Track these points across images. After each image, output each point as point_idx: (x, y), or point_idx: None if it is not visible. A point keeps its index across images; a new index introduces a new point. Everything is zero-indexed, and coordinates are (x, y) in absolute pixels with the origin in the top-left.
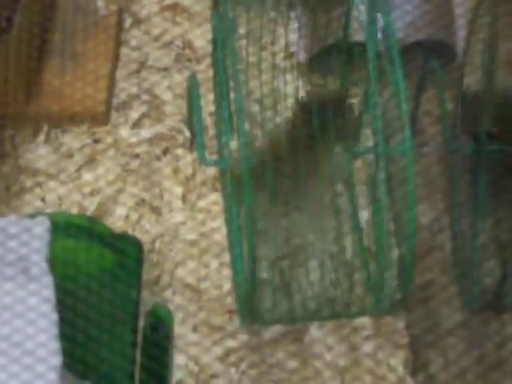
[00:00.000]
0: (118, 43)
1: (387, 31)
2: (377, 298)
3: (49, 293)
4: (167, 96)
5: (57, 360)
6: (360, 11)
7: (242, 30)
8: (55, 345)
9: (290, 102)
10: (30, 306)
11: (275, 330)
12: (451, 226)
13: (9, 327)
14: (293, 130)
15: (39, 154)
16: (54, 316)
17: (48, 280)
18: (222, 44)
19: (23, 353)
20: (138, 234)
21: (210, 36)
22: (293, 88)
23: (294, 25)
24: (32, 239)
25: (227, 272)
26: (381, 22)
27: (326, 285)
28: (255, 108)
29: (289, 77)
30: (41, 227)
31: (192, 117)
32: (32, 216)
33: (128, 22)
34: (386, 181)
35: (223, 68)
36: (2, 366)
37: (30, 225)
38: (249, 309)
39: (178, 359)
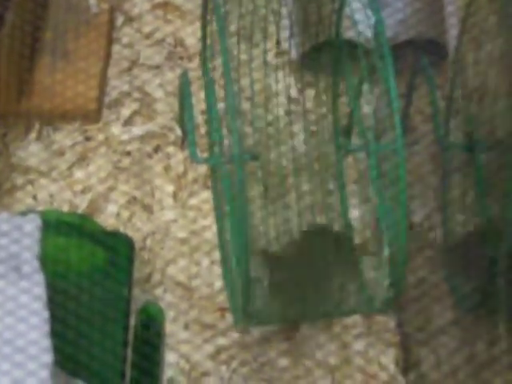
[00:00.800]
0: (110, 41)
1: (378, 29)
2: (369, 296)
3: (40, 290)
4: (159, 94)
5: (48, 358)
6: (352, 9)
7: (233, 27)
8: (46, 342)
9: (281, 99)
10: (21, 303)
11: (266, 328)
12: (443, 224)
13: (0, 325)
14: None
15: (31, 151)
16: (46, 314)
17: (39, 278)
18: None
19: (14, 350)
20: (130, 232)
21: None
22: (284, 85)
23: (286, 22)
24: (23, 237)
25: (218, 270)
26: (372, 20)
27: None
28: (246, 105)
29: (280, 74)
30: (32, 225)
31: (183, 114)
32: (23, 214)
33: (120, 20)
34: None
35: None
36: None
37: (21, 222)
38: (243, 308)
39: (170, 357)
